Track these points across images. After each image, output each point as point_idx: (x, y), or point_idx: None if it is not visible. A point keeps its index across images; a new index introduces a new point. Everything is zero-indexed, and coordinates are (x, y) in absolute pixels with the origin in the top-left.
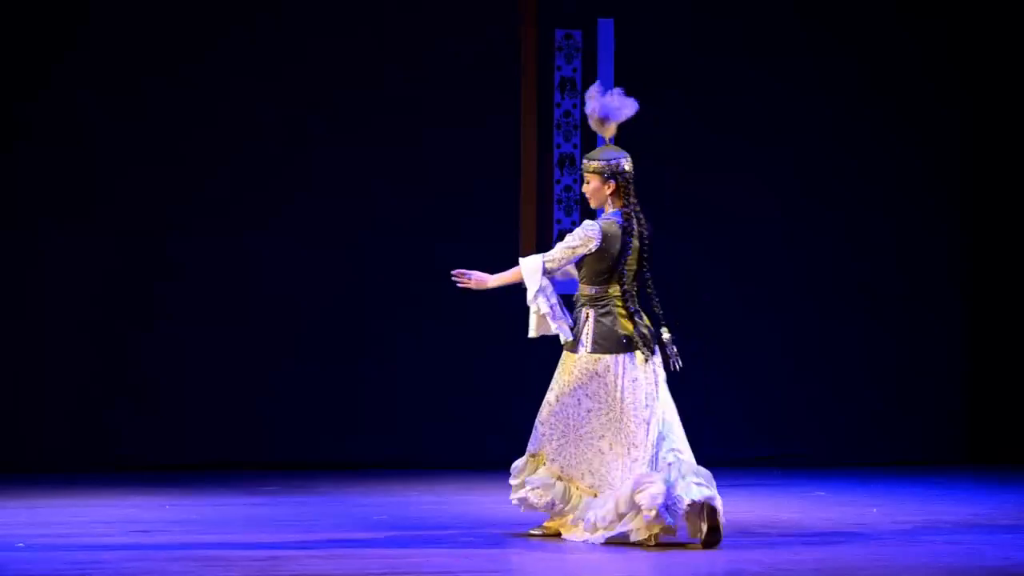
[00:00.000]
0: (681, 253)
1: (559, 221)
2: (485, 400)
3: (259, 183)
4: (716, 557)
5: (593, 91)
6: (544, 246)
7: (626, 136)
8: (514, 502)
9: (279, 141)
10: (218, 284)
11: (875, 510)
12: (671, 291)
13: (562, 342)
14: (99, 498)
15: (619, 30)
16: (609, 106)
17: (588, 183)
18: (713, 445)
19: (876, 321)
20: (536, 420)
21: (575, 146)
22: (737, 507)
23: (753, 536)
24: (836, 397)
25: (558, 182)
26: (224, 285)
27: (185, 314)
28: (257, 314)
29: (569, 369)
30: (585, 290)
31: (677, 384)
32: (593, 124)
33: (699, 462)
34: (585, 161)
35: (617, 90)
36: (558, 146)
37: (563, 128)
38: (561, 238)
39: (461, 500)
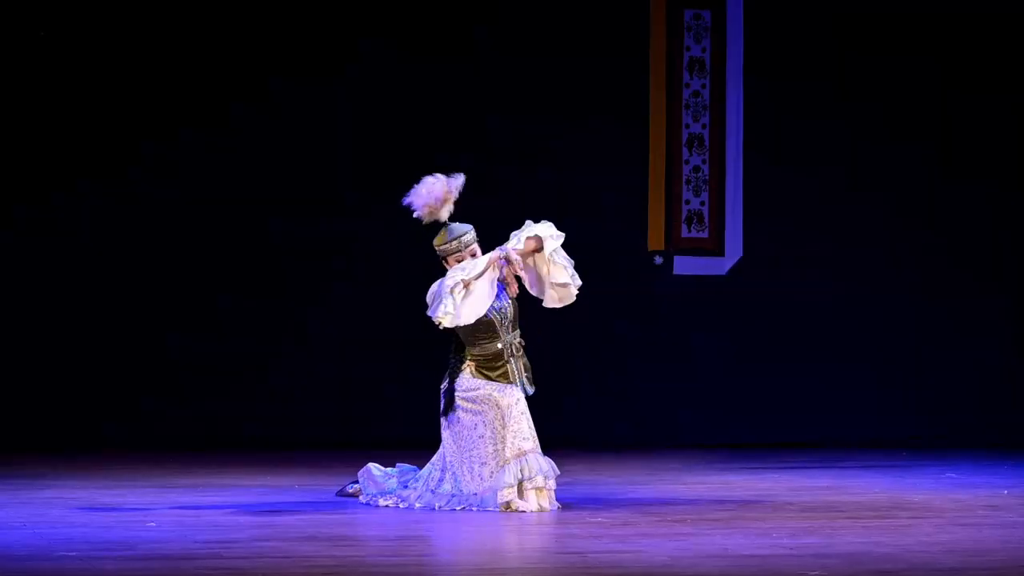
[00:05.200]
0: (799, 237)
1: (687, 201)
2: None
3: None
4: (845, 538)
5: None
6: (672, 225)
7: (757, 114)
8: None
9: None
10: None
11: (1006, 492)
12: (807, 279)
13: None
14: (228, 478)
15: (748, 10)
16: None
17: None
18: (840, 427)
19: (1006, 304)
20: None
21: (704, 126)
22: (866, 488)
23: (882, 517)
24: (963, 378)
25: (687, 162)
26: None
27: (306, 301)
28: (388, 307)
29: None
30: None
31: (809, 370)
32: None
33: (827, 444)
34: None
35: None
36: (687, 126)
37: (692, 108)
38: (689, 220)
39: None
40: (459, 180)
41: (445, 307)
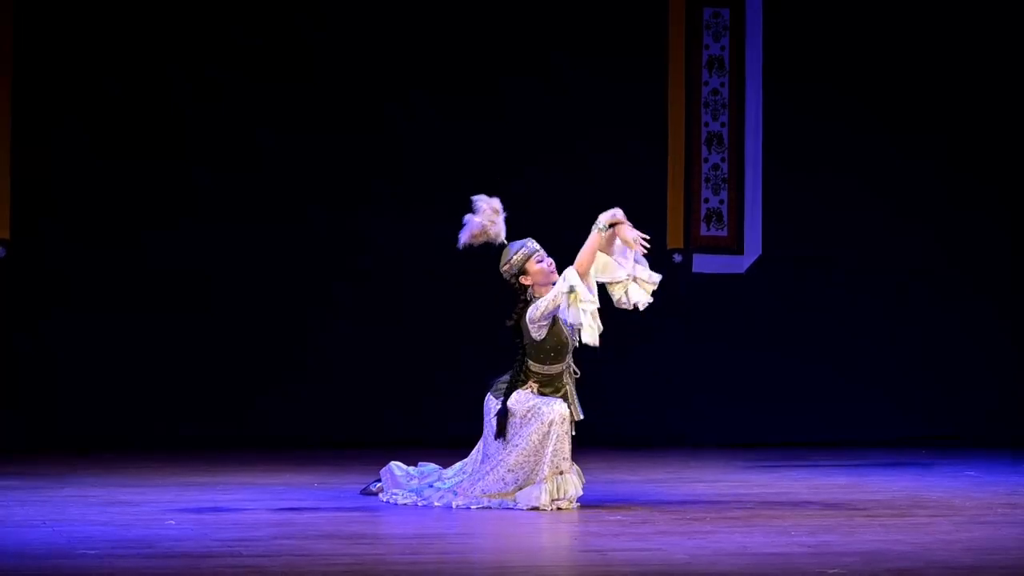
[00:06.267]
0: (810, 236)
1: (706, 200)
2: None
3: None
4: (864, 536)
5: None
6: (691, 224)
7: (771, 122)
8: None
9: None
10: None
11: None
12: (809, 277)
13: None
14: (247, 476)
15: (768, 8)
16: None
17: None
18: (860, 426)
19: (1018, 302)
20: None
21: (723, 124)
22: (885, 486)
23: (901, 516)
24: (983, 377)
25: (706, 161)
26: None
27: (331, 300)
28: (410, 308)
29: None
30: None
31: (829, 368)
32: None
33: (845, 442)
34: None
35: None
36: (706, 124)
37: (711, 106)
38: (709, 218)
39: None
40: (494, 202)
41: (592, 331)
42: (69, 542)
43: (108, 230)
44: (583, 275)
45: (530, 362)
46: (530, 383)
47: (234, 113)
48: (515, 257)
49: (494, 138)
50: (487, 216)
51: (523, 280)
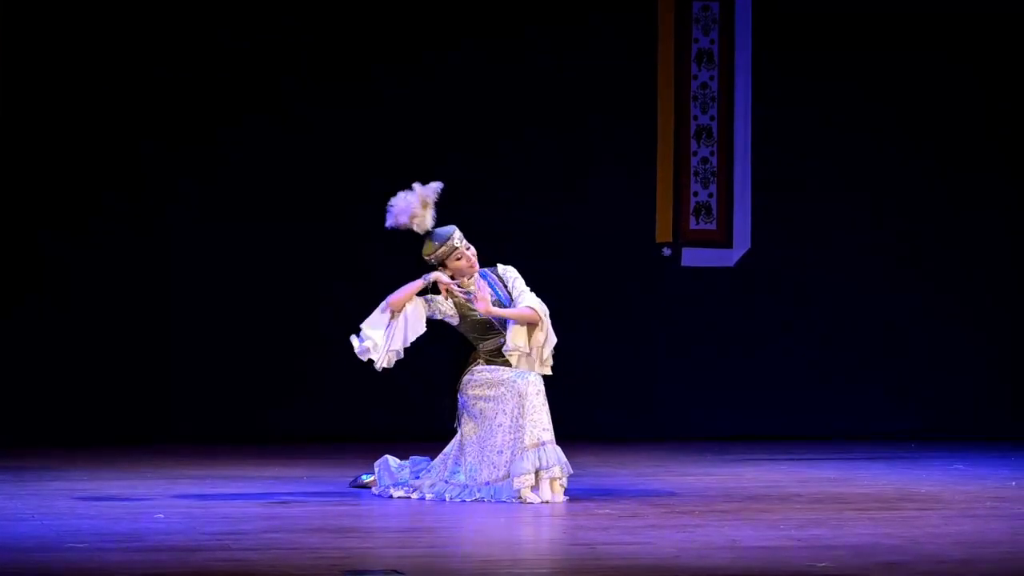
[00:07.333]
0: (807, 229)
1: (696, 193)
2: None
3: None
4: (853, 530)
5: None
6: (680, 218)
7: (760, 115)
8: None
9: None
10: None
11: (1014, 484)
12: (808, 270)
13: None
14: (236, 470)
15: (757, 1)
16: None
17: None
18: (850, 420)
19: (1011, 298)
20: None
21: (712, 118)
22: (874, 480)
23: (890, 509)
24: (975, 371)
25: (695, 154)
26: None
27: (331, 300)
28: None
29: None
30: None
31: (818, 362)
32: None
33: (835, 436)
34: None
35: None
36: (695, 118)
37: (700, 100)
38: (698, 212)
39: None
40: (433, 185)
41: (365, 345)
42: (58, 535)
43: (101, 228)
44: (397, 310)
45: (471, 339)
46: (479, 358)
47: (234, 113)
48: (439, 251)
49: (492, 137)
50: (428, 193)
51: (442, 271)
